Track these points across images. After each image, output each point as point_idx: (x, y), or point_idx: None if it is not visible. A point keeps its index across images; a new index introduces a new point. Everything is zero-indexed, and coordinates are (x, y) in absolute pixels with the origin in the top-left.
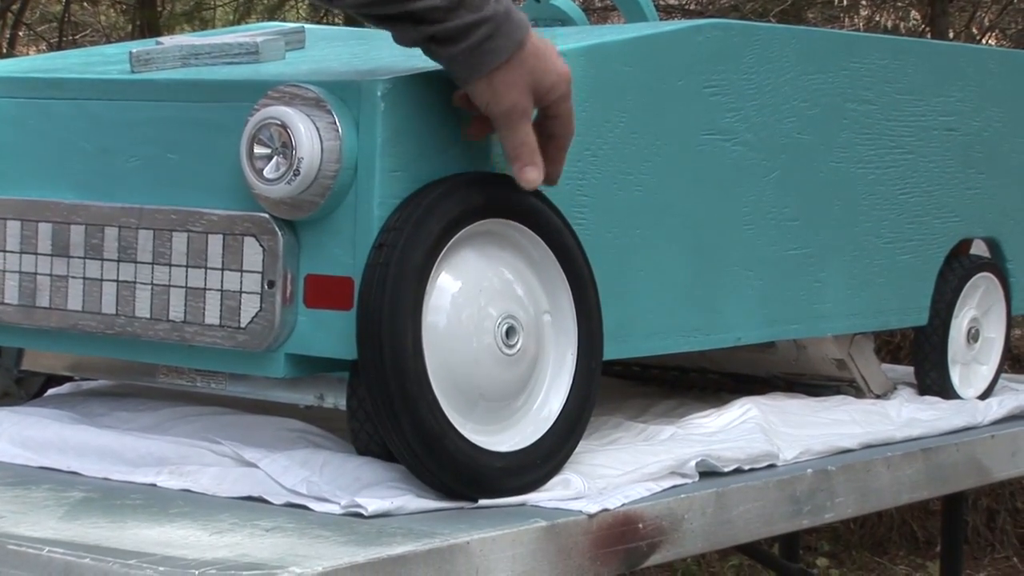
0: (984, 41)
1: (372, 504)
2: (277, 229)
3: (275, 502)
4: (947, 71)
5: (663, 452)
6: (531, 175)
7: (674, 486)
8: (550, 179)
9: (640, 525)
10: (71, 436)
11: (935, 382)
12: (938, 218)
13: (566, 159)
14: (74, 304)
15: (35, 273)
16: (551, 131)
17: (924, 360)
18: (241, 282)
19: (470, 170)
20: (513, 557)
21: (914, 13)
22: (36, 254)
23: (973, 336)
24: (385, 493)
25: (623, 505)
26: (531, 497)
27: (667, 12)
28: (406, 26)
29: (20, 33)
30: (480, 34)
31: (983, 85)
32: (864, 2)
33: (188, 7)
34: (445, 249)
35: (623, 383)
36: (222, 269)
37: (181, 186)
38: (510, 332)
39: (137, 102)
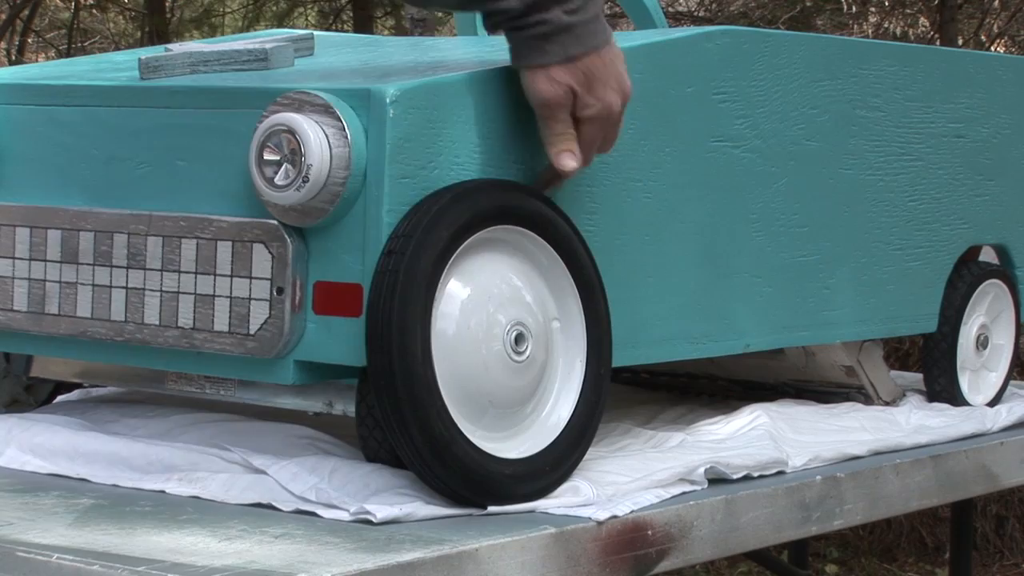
0: (993, 48)
1: (381, 511)
2: (286, 236)
3: (284, 509)
4: (956, 78)
5: (672, 459)
6: (567, 161)
7: (683, 493)
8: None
9: (649, 532)
10: (80, 443)
11: (944, 389)
12: (947, 225)
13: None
14: (83, 311)
15: (44, 280)
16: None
17: (933, 367)
18: (250, 289)
19: (479, 177)
20: (522, 564)
21: (923, 20)
22: (45, 261)
23: (982, 343)
24: (394, 500)
25: (632, 512)
26: (540, 504)
27: (676, 19)
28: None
29: (29, 40)
30: (539, 30)
31: (992, 92)
32: (873, 9)
33: (197, 14)
34: (454, 256)
35: (632, 390)
36: (231, 276)
37: (190, 193)
38: (519, 339)
39: (146, 109)
